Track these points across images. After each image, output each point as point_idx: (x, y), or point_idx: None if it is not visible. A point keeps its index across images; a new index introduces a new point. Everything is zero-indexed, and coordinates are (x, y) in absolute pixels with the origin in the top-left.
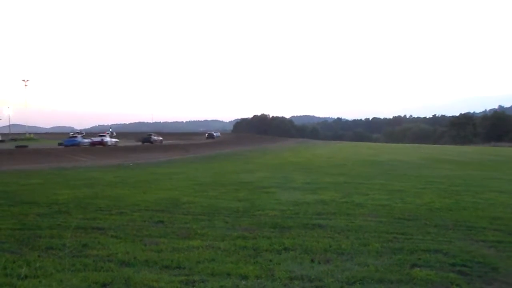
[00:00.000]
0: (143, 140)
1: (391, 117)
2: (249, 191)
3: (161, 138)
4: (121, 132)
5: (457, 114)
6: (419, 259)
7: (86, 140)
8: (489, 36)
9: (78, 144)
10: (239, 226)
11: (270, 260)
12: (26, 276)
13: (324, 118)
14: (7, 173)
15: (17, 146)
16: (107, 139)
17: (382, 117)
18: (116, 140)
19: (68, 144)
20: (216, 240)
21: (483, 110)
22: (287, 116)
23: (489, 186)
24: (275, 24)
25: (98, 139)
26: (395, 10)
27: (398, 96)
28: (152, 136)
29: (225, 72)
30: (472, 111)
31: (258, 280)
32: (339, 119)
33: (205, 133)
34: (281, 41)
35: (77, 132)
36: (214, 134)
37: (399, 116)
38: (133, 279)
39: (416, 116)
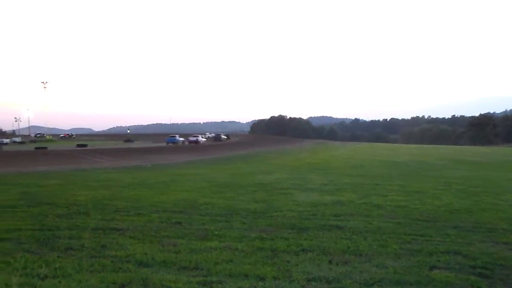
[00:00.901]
0: (214, 139)
1: (409, 118)
2: (266, 192)
3: (225, 137)
4: (139, 133)
5: (477, 114)
6: (438, 261)
7: (181, 139)
8: (510, 35)
9: (176, 142)
10: (256, 227)
11: (288, 261)
12: (46, 276)
13: (342, 119)
14: (27, 174)
15: (36, 148)
16: (200, 138)
17: (400, 118)
18: (205, 139)
19: (169, 142)
20: (234, 241)
21: (504, 110)
22: (305, 117)
23: (509, 187)
24: (293, 25)
25: (194, 138)
26: (413, 10)
27: (416, 96)
28: (221, 136)
29: (243, 74)
30: (492, 111)
31: (276, 281)
32: (356, 120)
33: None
34: (299, 43)
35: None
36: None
37: (417, 117)
38: (151, 280)
39: (434, 117)
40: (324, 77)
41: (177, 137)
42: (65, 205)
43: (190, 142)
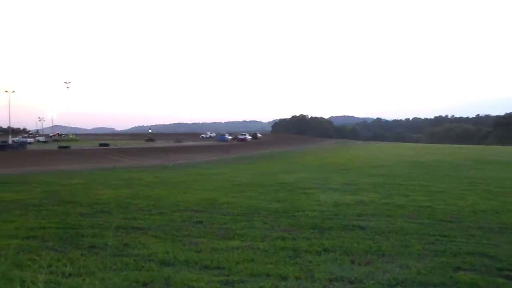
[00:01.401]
0: (252, 136)
1: (432, 117)
2: (288, 191)
3: (260, 135)
4: (161, 133)
5: (502, 113)
6: (463, 262)
7: (230, 137)
8: None
9: (226, 140)
10: (278, 227)
11: (310, 261)
12: (70, 274)
13: (364, 118)
14: (51, 174)
15: (59, 147)
16: (247, 136)
17: (423, 117)
18: (250, 137)
19: (220, 139)
20: (256, 241)
21: None
22: (326, 116)
23: None
24: (316, 24)
25: (242, 136)
26: (434, 5)
27: (439, 95)
28: (258, 134)
29: (264, 73)
30: None
31: (298, 281)
32: (378, 119)
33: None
34: (321, 42)
35: (206, 133)
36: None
37: (441, 116)
38: (173, 278)
39: (458, 116)
40: (346, 76)
41: (227, 136)
42: (88, 204)
43: (239, 140)
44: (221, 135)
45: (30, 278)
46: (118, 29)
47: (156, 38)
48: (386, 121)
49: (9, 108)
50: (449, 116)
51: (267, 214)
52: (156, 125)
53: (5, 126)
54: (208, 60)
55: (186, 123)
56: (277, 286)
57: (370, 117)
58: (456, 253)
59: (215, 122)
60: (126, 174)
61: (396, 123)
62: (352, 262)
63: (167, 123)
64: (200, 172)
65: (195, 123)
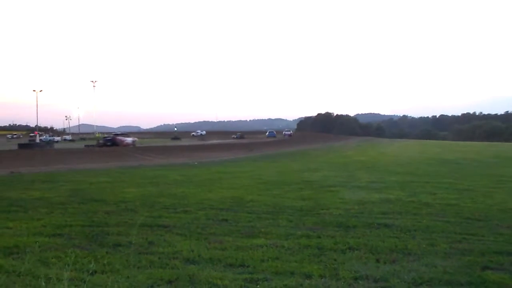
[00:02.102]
0: (284, 134)
1: (460, 114)
2: (313, 189)
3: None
4: (186, 131)
5: None
6: (491, 261)
7: (274, 133)
8: None
9: (274, 136)
10: (303, 225)
11: (335, 260)
12: (95, 272)
13: (390, 116)
14: (77, 172)
15: (86, 146)
16: (292, 132)
17: (450, 114)
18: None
19: (268, 136)
20: (280, 239)
21: None
22: (352, 114)
23: None
24: (341, 21)
25: (289, 132)
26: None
27: (467, 91)
28: (291, 131)
29: (290, 71)
30: None
31: (322, 280)
32: (405, 116)
33: (267, 132)
34: (347, 39)
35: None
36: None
37: (468, 113)
38: (198, 276)
39: (486, 113)
40: (371, 73)
41: (274, 132)
42: (113, 202)
43: (286, 135)
44: (270, 131)
45: (56, 275)
46: (144, 28)
47: (183, 37)
48: (413, 119)
49: (37, 107)
50: (477, 113)
51: (292, 212)
52: (181, 123)
53: (33, 125)
54: (235, 58)
55: (212, 121)
56: (301, 285)
57: (396, 114)
58: (484, 252)
59: (240, 120)
60: (151, 172)
61: (423, 120)
62: (377, 260)
63: (192, 121)
64: (225, 170)
65: (220, 121)
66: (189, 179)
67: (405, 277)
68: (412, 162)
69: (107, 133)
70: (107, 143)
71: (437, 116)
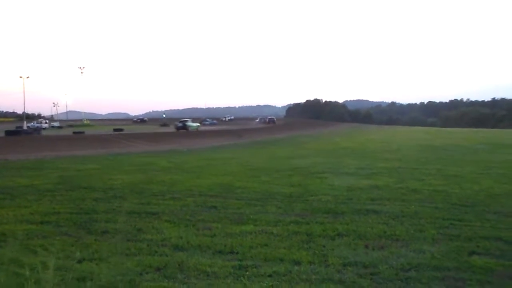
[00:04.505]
0: (269, 121)
1: (447, 101)
2: (302, 176)
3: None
4: (175, 118)
5: None
6: (478, 246)
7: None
8: None
9: (216, 124)
10: (292, 212)
11: (323, 246)
12: (83, 259)
13: (378, 102)
14: (65, 159)
15: (74, 132)
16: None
17: (438, 101)
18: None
19: (210, 124)
20: (269, 225)
21: None
22: (340, 100)
23: None
24: (329, 7)
25: (272, 118)
26: None
27: (455, 79)
28: (274, 118)
29: (277, 57)
30: None
31: (311, 266)
32: (393, 103)
33: (256, 118)
34: (334, 25)
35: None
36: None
37: (456, 100)
38: (187, 263)
39: (474, 100)
40: (360, 59)
41: (216, 121)
42: (102, 189)
43: (269, 121)
44: (270, 118)
45: (41, 263)
46: (132, 14)
47: (170, 23)
48: (401, 105)
49: (24, 94)
50: (465, 100)
51: (281, 199)
52: (170, 110)
53: (20, 112)
54: (222, 44)
55: (201, 108)
56: (290, 271)
57: (384, 101)
58: (471, 238)
59: (229, 107)
60: (140, 159)
61: (411, 107)
62: (366, 246)
63: (181, 108)
64: (214, 156)
65: (209, 107)
66: (177, 166)
67: (393, 263)
68: (400, 148)
69: (98, 120)
70: (180, 128)
71: (425, 103)
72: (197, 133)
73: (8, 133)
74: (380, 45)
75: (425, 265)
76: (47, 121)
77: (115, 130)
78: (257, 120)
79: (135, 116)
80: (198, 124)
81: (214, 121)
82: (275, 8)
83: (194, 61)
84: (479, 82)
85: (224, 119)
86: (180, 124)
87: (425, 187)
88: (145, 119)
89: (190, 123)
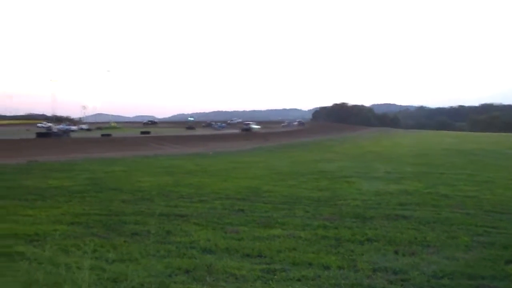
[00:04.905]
0: (299, 123)
1: (478, 105)
2: (329, 180)
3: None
4: (202, 121)
5: None
6: None
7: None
8: None
9: (224, 127)
10: (320, 216)
11: (352, 251)
12: (114, 260)
13: (406, 106)
14: (94, 161)
15: (102, 135)
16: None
17: (468, 105)
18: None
19: (219, 127)
20: (297, 229)
21: None
22: (367, 104)
23: None
24: (357, 10)
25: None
26: None
27: (486, 81)
28: (303, 121)
29: (304, 61)
30: None
31: (340, 271)
32: (421, 107)
33: (283, 122)
34: (362, 28)
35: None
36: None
37: (486, 104)
38: (215, 266)
39: (506, 104)
40: (388, 63)
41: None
42: (130, 191)
43: (299, 124)
44: (299, 120)
45: (75, 264)
46: (158, 18)
47: (197, 26)
48: (429, 109)
49: (54, 96)
50: (496, 104)
51: (308, 203)
52: (196, 113)
53: (49, 114)
54: (250, 48)
55: (226, 111)
56: (319, 276)
57: (412, 105)
58: (507, 246)
59: (255, 110)
60: (167, 161)
61: (440, 111)
62: (396, 252)
63: (207, 111)
64: (240, 160)
65: (235, 111)
66: (204, 169)
67: (425, 269)
68: (428, 153)
69: (125, 122)
70: (245, 130)
71: (455, 107)
72: (224, 137)
73: (39, 135)
74: (409, 48)
75: (458, 273)
76: (69, 124)
77: (142, 132)
78: (284, 124)
79: (161, 118)
80: (259, 126)
81: (223, 124)
82: (303, 11)
83: (221, 64)
84: None
85: (231, 121)
86: (245, 127)
87: (456, 192)
88: (155, 121)
89: (253, 126)
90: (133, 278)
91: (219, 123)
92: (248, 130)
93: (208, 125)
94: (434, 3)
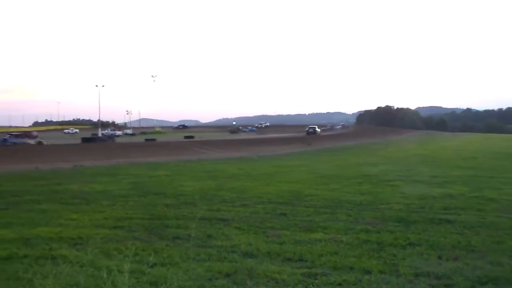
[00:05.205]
0: (342, 127)
1: None
2: (372, 184)
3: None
4: (245, 125)
5: None
6: None
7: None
8: None
9: (255, 131)
10: (362, 220)
11: (394, 255)
12: (155, 264)
13: (452, 109)
14: (138, 165)
15: (146, 139)
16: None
17: None
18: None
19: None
20: (339, 233)
21: None
22: (413, 107)
23: None
24: (398, 14)
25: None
26: None
27: None
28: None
29: (349, 64)
30: None
31: (382, 275)
32: (468, 109)
33: (326, 125)
34: (406, 31)
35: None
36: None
37: None
38: (256, 270)
39: None
40: (434, 65)
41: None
42: (173, 195)
43: (342, 127)
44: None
45: (116, 267)
46: (203, 23)
47: (241, 31)
48: (477, 112)
49: (99, 102)
50: None
51: (350, 207)
52: (240, 117)
53: (95, 119)
54: (293, 52)
55: (270, 115)
56: (360, 280)
57: (459, 107)
58: None
59: (299, 114)
60: (210, 166)
61: (488, 113)
62: (439, 257)
63: (251, 115)
64: (283, 164)
65: (279, 115)
66: (247, 173)
67: (469, 275)
68: (476, 156)
69: (180, 126)
70: (310, 133)
71: (504, 109)
72: (267, 141)
73: (84, 140)
74: (455, 50)
75: (504, 279)
76: (114, 129)
77: (185, 137)
78: (326, 127)
79: (205, 123)
80: (319, 130)
81: (254, 128)
82: (350, 15)
83: (264, 69)
84: None
85: (260, 125)
86: (310, 130)
87: (503, 196)
88: (186, 125)
89: (318, 129)
90: (173, 281)
91: (249, 127)
92: (313, 133)
93: (235, 130)
94: (487, 2)
